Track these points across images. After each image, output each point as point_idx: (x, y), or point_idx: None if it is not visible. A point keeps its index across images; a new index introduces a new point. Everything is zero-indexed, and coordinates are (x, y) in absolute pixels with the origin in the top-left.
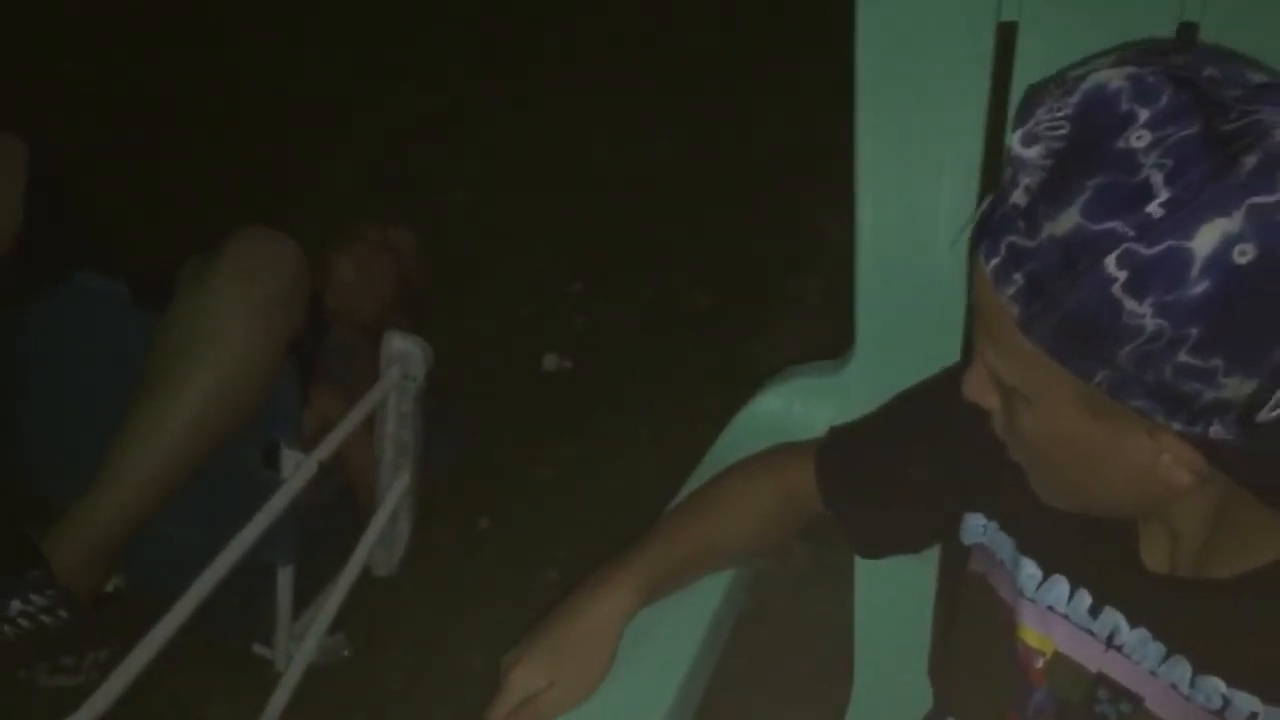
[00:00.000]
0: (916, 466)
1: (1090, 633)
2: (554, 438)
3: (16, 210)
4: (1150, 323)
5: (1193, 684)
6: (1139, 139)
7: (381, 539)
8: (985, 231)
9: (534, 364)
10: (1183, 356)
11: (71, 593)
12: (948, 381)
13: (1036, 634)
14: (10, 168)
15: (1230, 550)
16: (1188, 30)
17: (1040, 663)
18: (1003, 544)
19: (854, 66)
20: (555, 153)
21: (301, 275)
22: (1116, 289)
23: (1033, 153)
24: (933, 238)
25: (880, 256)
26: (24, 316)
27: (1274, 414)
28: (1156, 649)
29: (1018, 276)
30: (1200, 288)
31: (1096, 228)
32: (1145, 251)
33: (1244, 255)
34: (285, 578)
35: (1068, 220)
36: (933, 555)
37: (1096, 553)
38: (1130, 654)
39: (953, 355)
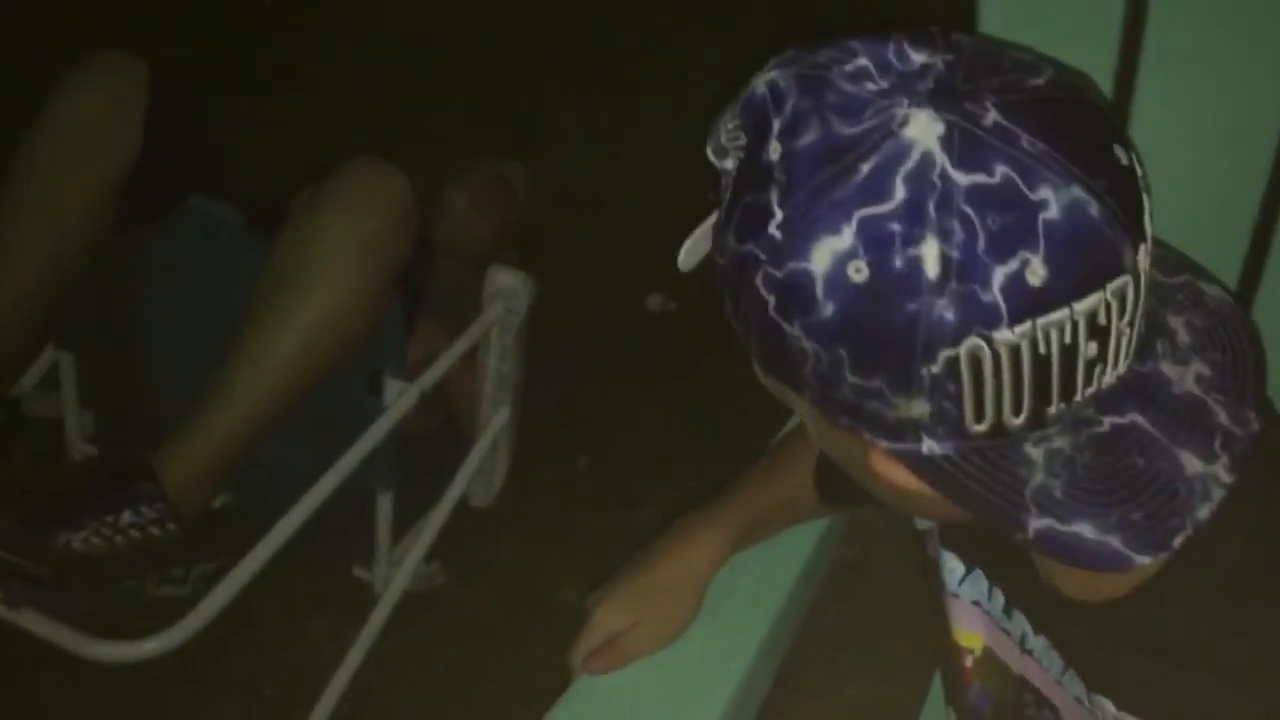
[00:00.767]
0: None
1: (1007, 633)
2: (658, 380)
3: (137, 132)
4: (807, 345)
5: (1090, 699)
6: (774, 152)
7: (480, 471)
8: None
9: (640, 304)
10: (850, 378)
11: (179, 508)
12: None
13: (964, 630)
14: (133, 89)
15: (1079, 576)
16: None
17: (970, 660)
18: (931, 535)
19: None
20: (673, 89)
21: (410, 208)
22: (772, 312)
23: (726, 166)
24: None
25: None
26: (141, 239)
27: (983, 427)
28: (1057, 660)
29: (724, 294)
30: (829, 310)
31: (742, 250)
32: (777, 275)
33: (860, 273)
34: (385, 504)
35: (729, 240)
36: None
37: (1003, 552)
38: (1040, 660)
39: None
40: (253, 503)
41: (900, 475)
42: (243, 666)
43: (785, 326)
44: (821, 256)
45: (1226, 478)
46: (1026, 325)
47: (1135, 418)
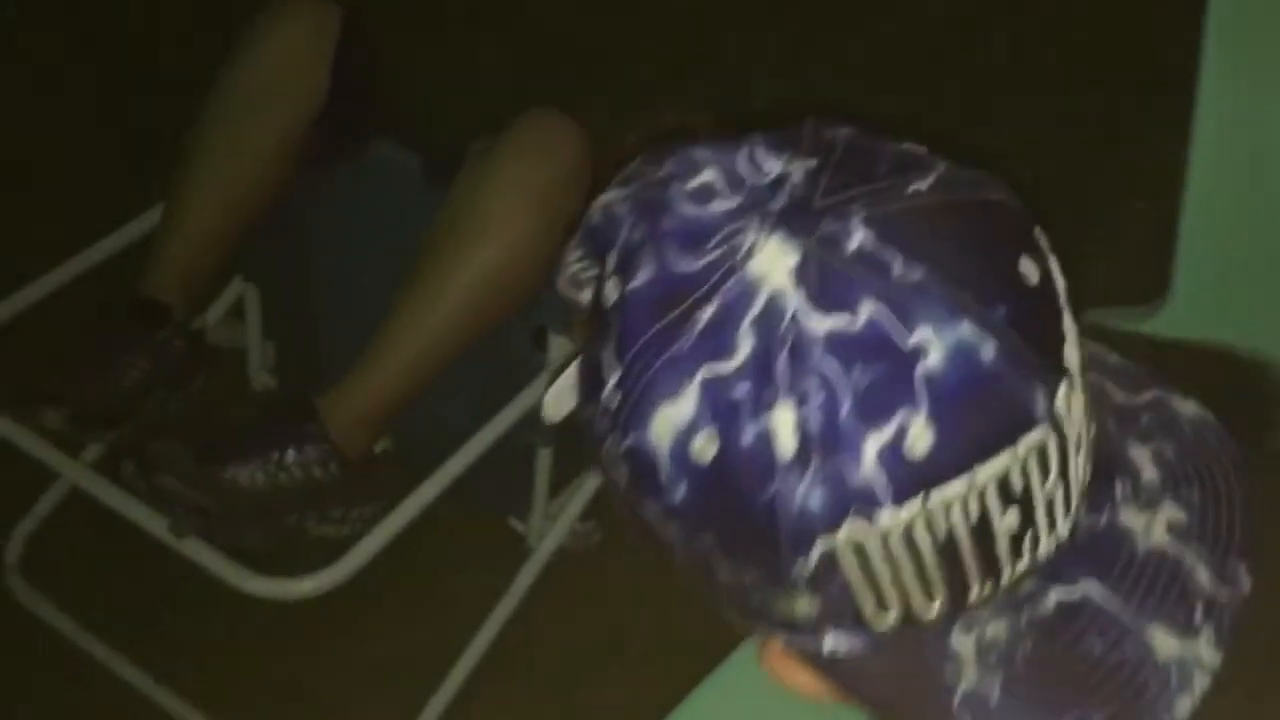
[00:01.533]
0: None
1: None
2: None
3: (325, 73)
4: (669, 529)
5: None
6: (612, 293)
7: None
8: None
9: None
10: (722, 569)
11: (342, 450)
12: None
13: None
14: (323, 28)
15: None
16: None
17: None
18: None
19: None
20: (884, 52)
21: (584, 162)
22: (625, 489)
23: (585, 300)
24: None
25: (1214, 200)
26: (323, 181)
27: (890, 619)
28: None
29: None
30: (680, 493)
31: (585, 414)
32: (621, 446)
33: (706, 450)
34: (545, 459)
35: (579, 397)
36: None
37: None
38: None
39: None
40: (411, 450)
41: (802, 678)
42: (394, 609)
43: (642, 506)
44: (663, 427)
45: (1212, 657)
46: (915, 503)
47: (1089, 587)
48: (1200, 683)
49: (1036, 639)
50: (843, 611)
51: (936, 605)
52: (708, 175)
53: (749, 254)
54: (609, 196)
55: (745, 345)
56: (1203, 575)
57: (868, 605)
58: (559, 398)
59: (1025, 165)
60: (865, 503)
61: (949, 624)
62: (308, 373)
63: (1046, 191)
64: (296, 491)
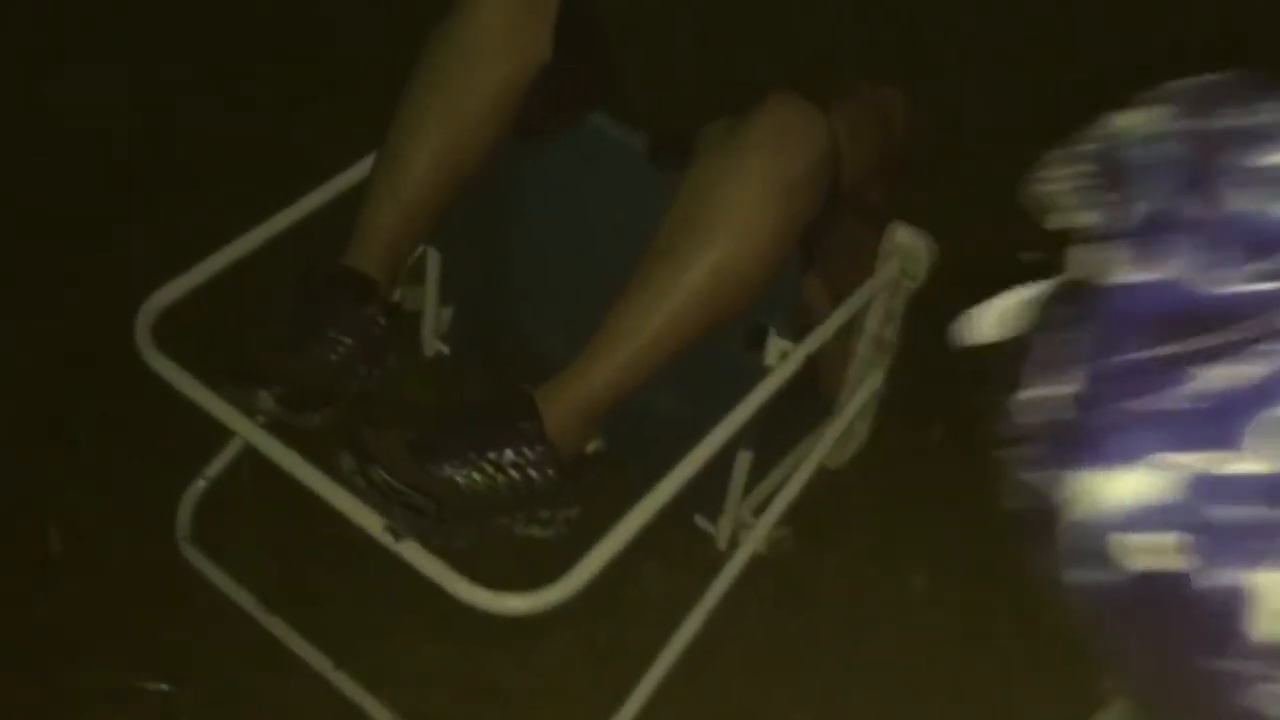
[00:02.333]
0: None
1: None
2: None
3: (547, 34)
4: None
5: None
6: (1127, 269)
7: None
8: None
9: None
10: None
11: (557, 450)
12: None
13: None
14: None
15: None
16: None
17: None
18: None
19: None
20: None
21: (831, 155)
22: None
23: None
24: None
25: None
26: (535, 150)
27: None
28: None
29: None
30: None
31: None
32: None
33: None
34: (743, 460)
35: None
36: None
37: None
38: None
39: None
40: (620, 448)
41: None
42: (577, 605)
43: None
44: (1108, 494)
45: None
46: None
47: None
48: None
49: None
50: None
51: None
52: None
53: None
54: (1158, 120)
55: None
56: None
57: None
58: (989, 321)
59: None
60: None
61: None
62: (482, 346)
63: None
64: (512, 494)
